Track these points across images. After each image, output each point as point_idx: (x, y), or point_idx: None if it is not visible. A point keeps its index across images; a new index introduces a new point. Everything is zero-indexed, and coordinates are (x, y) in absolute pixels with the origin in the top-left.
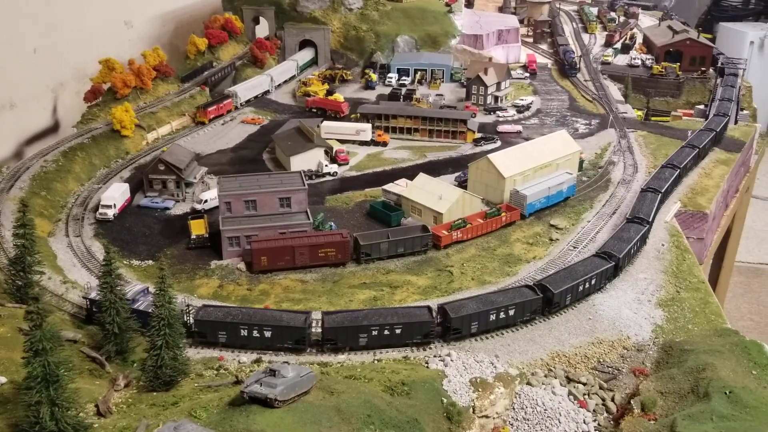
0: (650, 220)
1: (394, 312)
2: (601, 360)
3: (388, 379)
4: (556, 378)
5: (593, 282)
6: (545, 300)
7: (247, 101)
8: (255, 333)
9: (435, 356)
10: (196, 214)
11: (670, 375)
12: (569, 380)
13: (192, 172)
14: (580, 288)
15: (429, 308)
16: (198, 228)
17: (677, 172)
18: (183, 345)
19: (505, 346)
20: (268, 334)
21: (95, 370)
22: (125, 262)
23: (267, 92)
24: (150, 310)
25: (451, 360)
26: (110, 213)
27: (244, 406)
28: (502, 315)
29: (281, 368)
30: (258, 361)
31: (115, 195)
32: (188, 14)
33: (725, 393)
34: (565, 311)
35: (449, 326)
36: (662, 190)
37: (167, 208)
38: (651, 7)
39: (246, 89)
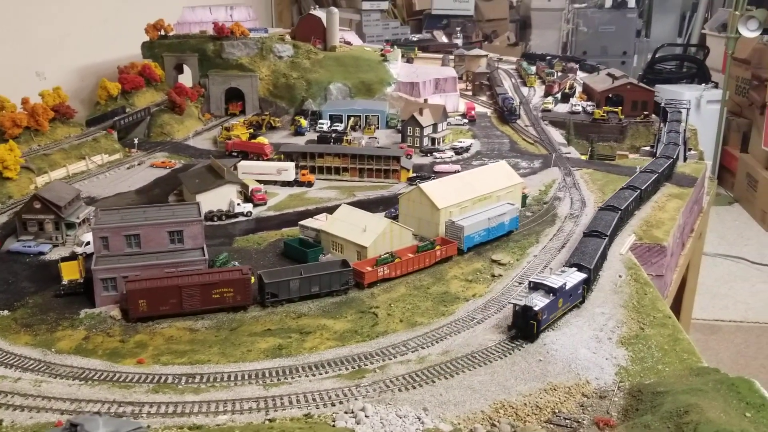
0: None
1: None
2: (557, 410)
3: None
4: None
5: None
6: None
7: None
8: None
9: (346, 412)
10: (69, 257)
11: (643, 423)
12: None
13: (75, 212)
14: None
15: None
16: (70, 272)
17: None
18: None
19: (436, 396)
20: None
21: None
22: None
23: None
24: None
25: (366, 416)
26: None
27: None
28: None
29: (86, 422)
30: None
31: None
32: (111, 68)
33: None
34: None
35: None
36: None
37: (42, 253)
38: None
39: None
